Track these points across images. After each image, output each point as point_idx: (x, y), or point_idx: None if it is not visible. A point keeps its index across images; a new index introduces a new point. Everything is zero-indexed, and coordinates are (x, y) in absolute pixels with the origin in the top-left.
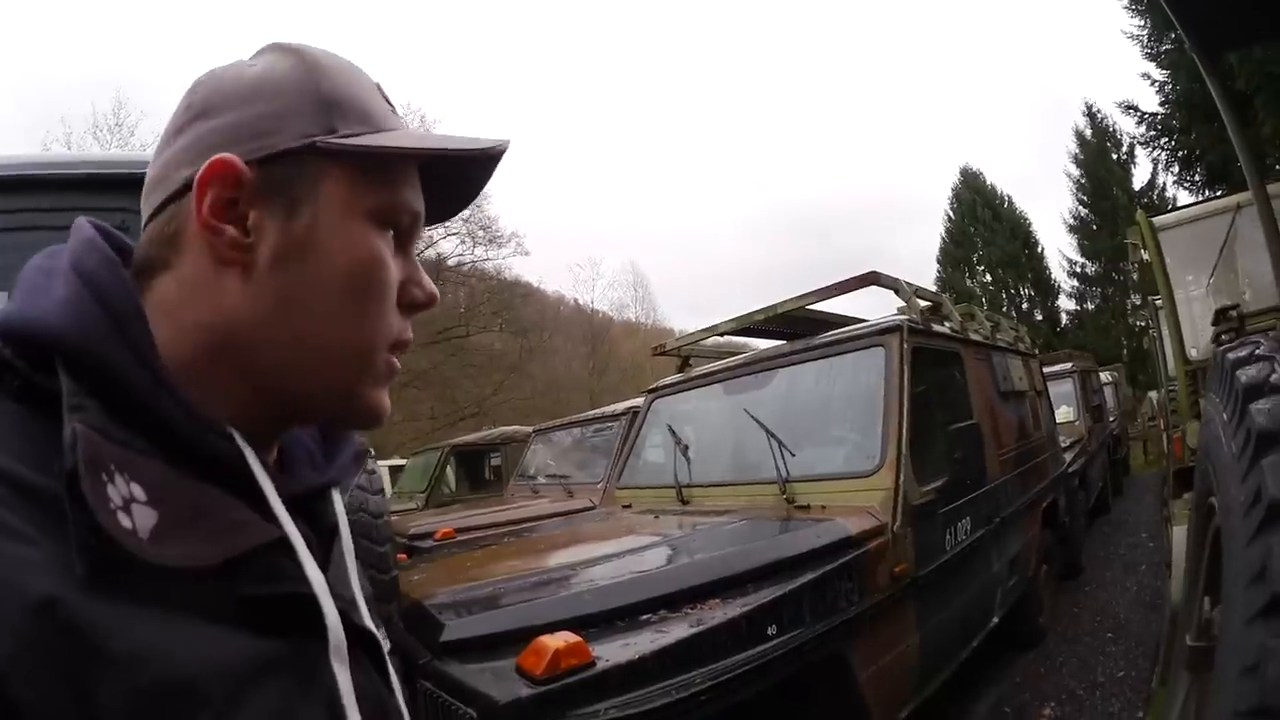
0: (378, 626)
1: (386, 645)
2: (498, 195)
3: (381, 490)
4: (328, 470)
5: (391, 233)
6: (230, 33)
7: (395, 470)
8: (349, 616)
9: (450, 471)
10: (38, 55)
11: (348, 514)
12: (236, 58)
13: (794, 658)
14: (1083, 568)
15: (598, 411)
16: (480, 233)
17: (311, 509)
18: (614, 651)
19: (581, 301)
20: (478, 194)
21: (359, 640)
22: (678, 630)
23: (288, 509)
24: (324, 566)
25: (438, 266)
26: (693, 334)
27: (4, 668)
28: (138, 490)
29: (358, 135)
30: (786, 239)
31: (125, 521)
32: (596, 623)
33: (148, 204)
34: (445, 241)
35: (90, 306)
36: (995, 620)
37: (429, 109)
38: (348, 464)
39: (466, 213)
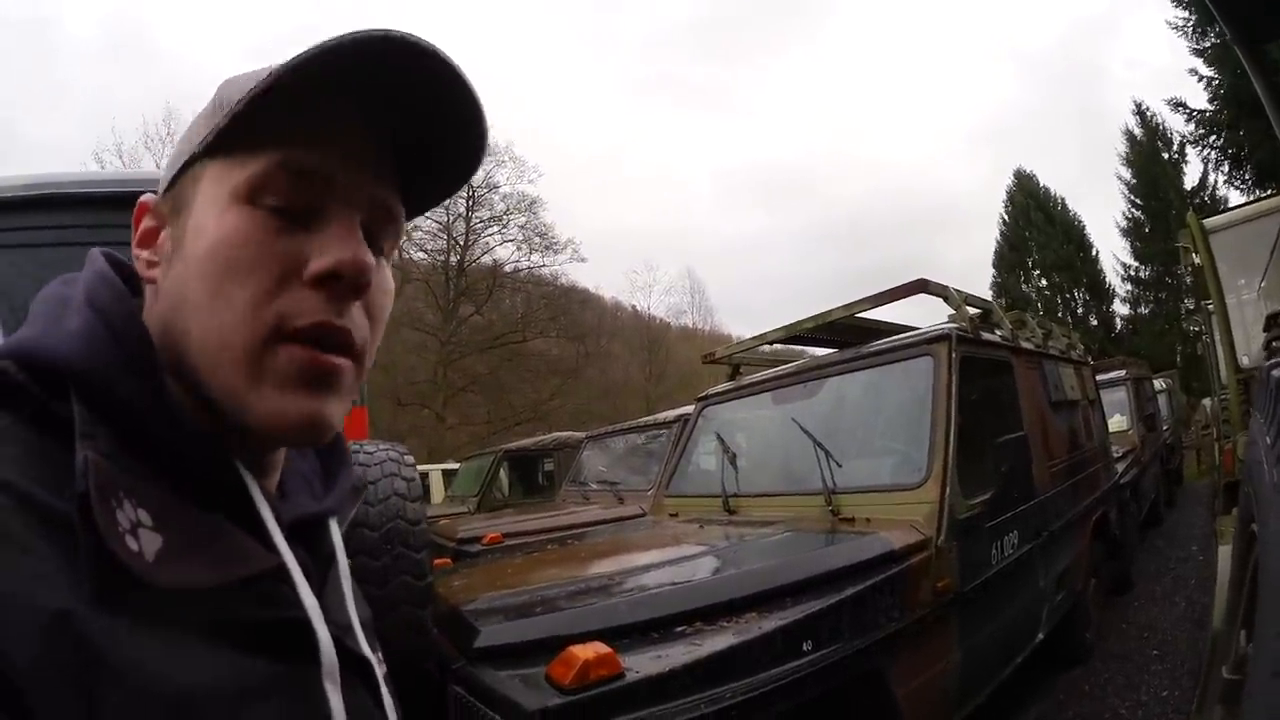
0: (374, 651)
1: (382, 669)
2: (553, 203)
3: (420, 497)
4: (325, 499)
5: (272, 204)
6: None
7: (449, 474)
8: (343, 642)
9: (503, 476)
10: (93, 73)
11: (386, 521)
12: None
13: (829, 674)
14: (1133, 582)
15: (649, 419)
16: (536, 239)
17: (310, 536)
18: (645, 663)
19: (638, 307)
20: (481, 155)
21: (353, 665)
22: (711, 643)
23: (287, 536)
24: (320, 593)
25: (494, 273)
26: (742, 342)
27: (21, 678)
28: (144, 515)
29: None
30: (840, 249)
31: (132, 545)
32: (630, 633)
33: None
34: (501, 248)
35: (103, 340)
36: (1041, 636)
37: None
38: (345, 495)
39: (522, 219)
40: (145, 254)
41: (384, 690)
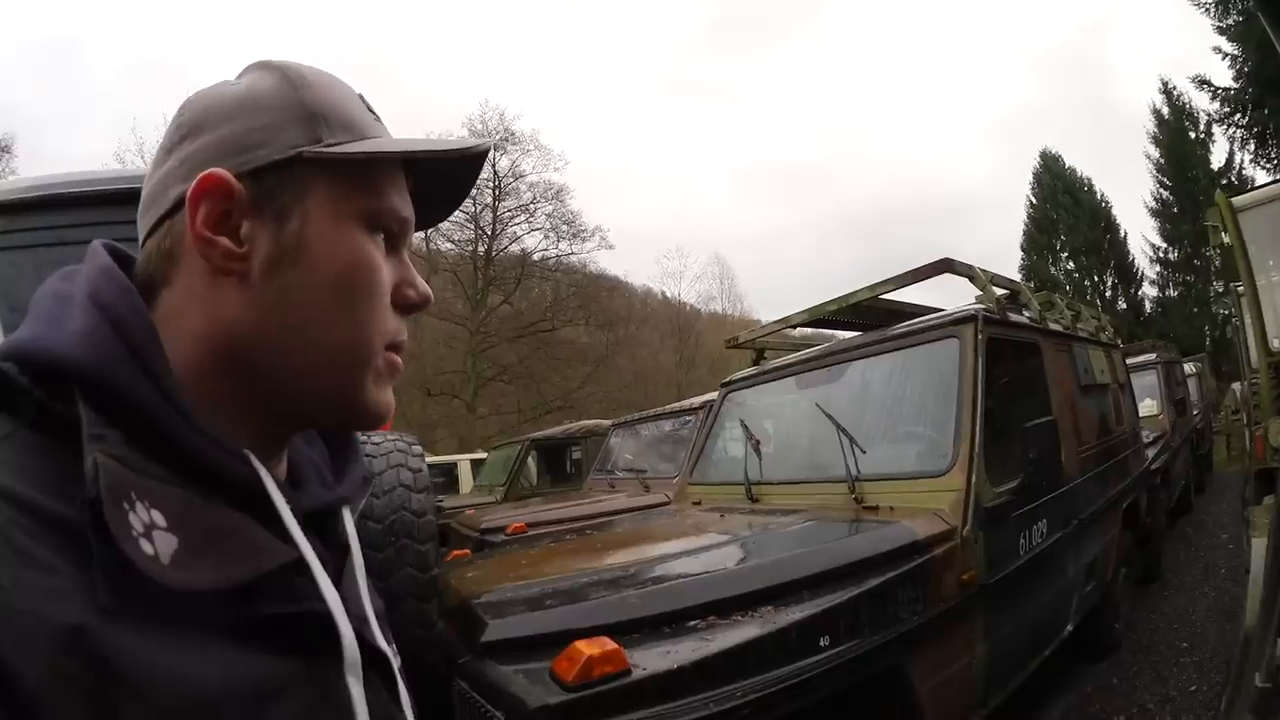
0: (389, 643)
1: (397, 662)
2: (579, 190)
3: (427, 488)
4: (338, 488)
5: (381, 236)
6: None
7: (478, 464)
8: (361, 635)
9: (532, 465)
10: (117, 86)
11: (390, 513)
12: (223, 78)
13: (847, 671)
14: (1163, 571)
15: (675, 405)
16: (564, 227)
17: (324, 527)
18: (653, 659)
19: (668, 293)
20: (465, 196)
21: (371, 658)
22: (724, 639)
23: (302, 526)
24: (337, 584)
25: (522, 262)
26: (766, 326)
27: (36, 696)
28: (158, 517)
29: (342, 144)
30: (862, 240)
31: (147, 548)
32: (641, 628)
33: (144, 222)
34: (529, 237)
35: (109, 338)
36: (1069, 628)
37: (509, 105)
38: (357, 483)
39: (549, 208)
40: (225, 243)
41: (400, 684)
